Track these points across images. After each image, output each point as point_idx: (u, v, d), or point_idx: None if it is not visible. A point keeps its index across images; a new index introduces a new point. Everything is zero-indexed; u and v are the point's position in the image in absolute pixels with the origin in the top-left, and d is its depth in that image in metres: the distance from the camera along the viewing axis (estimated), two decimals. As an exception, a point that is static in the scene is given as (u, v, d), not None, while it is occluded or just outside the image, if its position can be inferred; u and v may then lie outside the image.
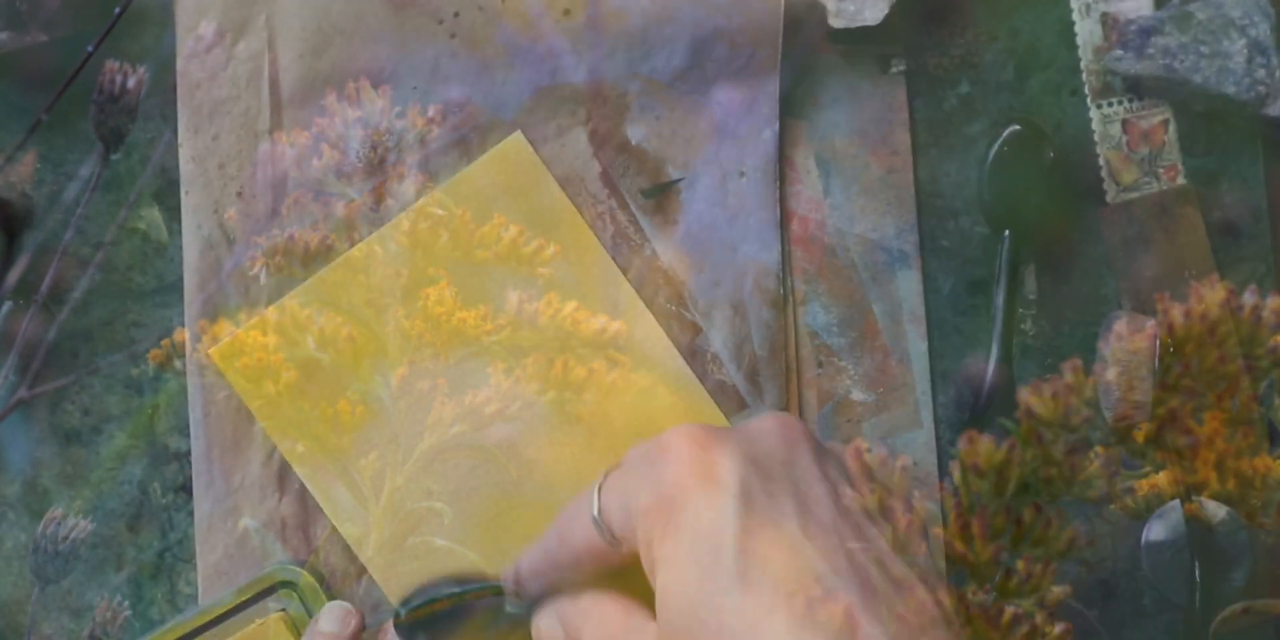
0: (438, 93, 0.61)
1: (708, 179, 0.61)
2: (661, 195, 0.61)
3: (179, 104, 0.61)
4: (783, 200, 0.61)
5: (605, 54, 0.60)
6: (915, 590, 0.45)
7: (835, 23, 0.60)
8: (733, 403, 0.61)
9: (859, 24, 0.60)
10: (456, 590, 0.60)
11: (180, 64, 0.61)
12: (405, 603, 0.60)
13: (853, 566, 0.46)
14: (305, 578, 0.61)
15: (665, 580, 0.47)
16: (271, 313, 0.61)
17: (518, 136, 0.61)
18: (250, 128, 0.61)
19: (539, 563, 0.54)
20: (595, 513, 0.50)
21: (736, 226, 0.61)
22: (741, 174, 0.61)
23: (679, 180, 0.61)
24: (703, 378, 0.61)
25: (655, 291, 0.61)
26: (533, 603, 0.54)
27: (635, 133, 0.61)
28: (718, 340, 0.61)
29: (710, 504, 0.47)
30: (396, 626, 0.58)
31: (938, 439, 0.61)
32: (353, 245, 0.61)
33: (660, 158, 0.61)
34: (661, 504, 0.47)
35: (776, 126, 0.61)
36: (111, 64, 0.60)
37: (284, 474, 0.61)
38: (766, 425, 0.50)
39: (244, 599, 0.61)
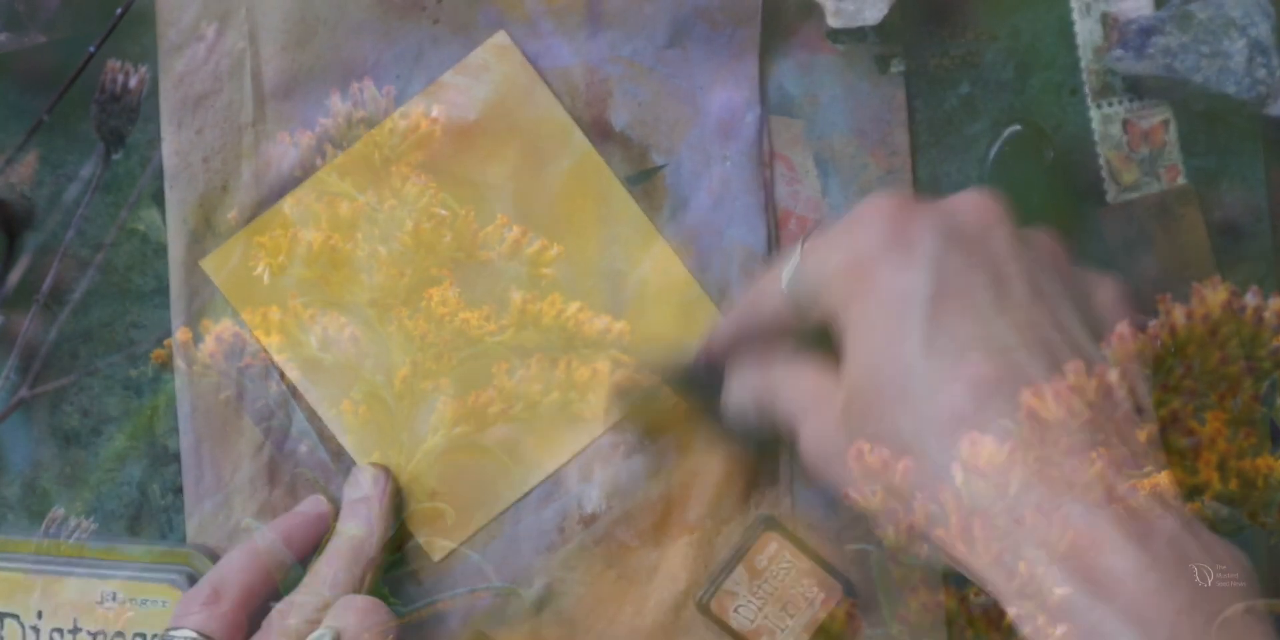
0: (420, 79, 0.61)
1: (692, 164, 0.61)
2: (647, 182, 0.61)
3: (161, 98, 0.60)
4: (781, 200, 0.61)
5: (588, 36, 0.60)
6: (1107, 374, 0.46)
7: (834, 22, 0.60)
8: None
9: (859, 24, 0.60)
10: (460, 590, 0.60)
11: (162, 57, 0.60)
12: (407, 603, 0.60)
13: (1042, 343, 0.46)
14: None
15: (853, 342, 0.47)
16: (274, 312, 0.60)
17: (501, 36, 0.60)
18: (234, 121, 0.61)
19: (731, 332, 0.55)
20: (784, 286, 0.51)
21: (722, 211, 0.61)
22: (725, 159, 0.61)
23: (663, 166, 0.61)
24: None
25: None
26: (718, 379, 0.55)
27: (619, 119, 0.61)
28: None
29: (903, 270, 0.47)
30: None
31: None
32: (356, 245, 0.60)
33: (644, 144, 0.61)
34: (855, 268, 0.48)
35: (759, 110, 0.61)
36: (113, 64, 0.60)
37: (274, 466, 0.61)
38: (966, 201, 0.50)
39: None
